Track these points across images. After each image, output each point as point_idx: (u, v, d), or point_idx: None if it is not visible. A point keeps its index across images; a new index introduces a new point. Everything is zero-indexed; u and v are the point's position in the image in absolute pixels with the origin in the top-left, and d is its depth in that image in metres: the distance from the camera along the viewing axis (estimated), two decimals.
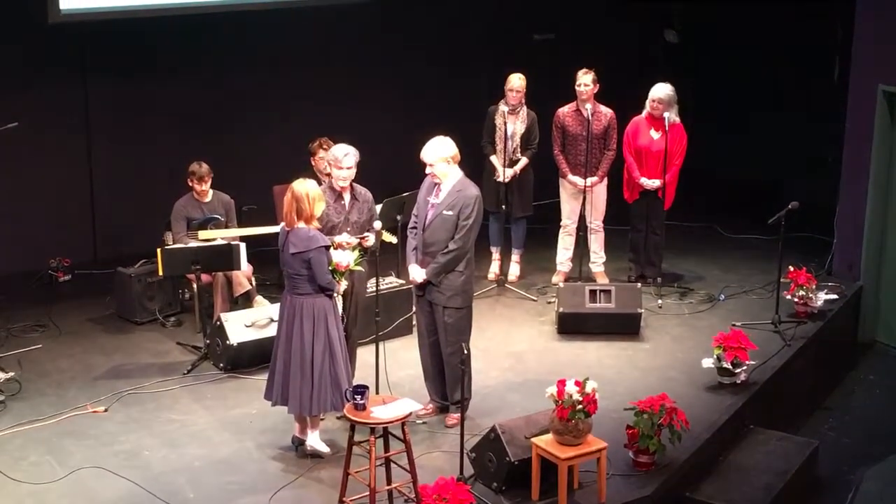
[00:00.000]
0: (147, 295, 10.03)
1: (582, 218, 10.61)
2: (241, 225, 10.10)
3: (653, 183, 10.45)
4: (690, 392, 8.80)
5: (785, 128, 12.87)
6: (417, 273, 8.12)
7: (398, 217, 9.39)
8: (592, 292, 9.87)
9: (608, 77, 10.63)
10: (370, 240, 8.20)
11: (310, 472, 7.69)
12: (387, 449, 7.30)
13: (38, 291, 10.62)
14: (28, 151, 10.65)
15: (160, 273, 9.44)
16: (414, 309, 8.90)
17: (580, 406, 7.16)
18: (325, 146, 9.68)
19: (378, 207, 8.74)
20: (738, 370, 8.86)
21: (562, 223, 10.81)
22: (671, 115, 10.27)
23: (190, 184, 9.87)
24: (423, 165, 8.06)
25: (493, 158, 10.59)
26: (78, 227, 11.23)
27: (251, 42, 11.55)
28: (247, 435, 8.18)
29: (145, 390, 8.81)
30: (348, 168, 8.12)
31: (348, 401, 7.25)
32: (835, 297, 10.41)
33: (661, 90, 10.36)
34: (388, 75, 12.39)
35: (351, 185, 8.25)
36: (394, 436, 7.30)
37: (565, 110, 10.54)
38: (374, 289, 8.25)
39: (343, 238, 8.09)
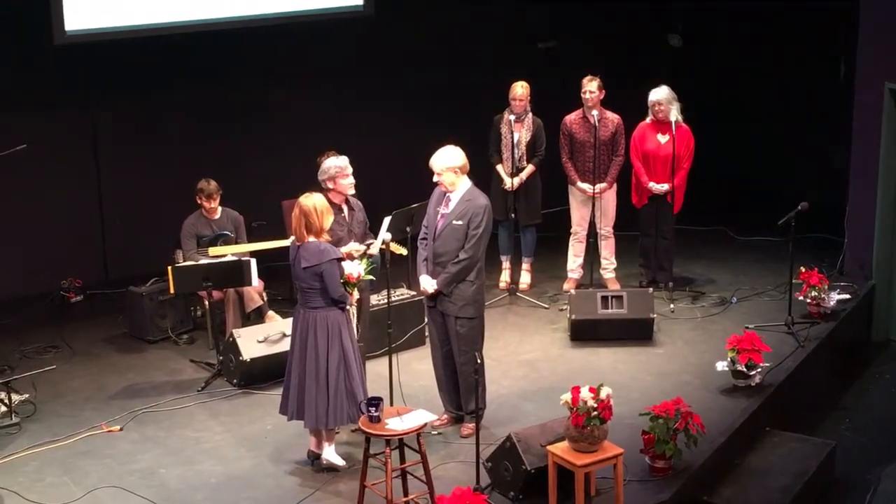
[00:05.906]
0: (159, 313, 10.05)
1: (592, 225, 10.60)
2: (250, 241, 10.10)
3: (661, 187, 10.44)
4: (705, 396, 8.78)
5: (792, 128, 12.84)
6: (428, 283, 8.11)
7: (407, 229, 9.41)
8: (604, 298, 9.86)
9: (613, 83, 10.63)
10: (374, 246, 8.24)
11: (326, 485, 7.68)
12: (403, 461, 7.30)
13: (51, 313, 10.64)
14: (36, 173, 10.66)
15: (171, 291, 9.46)
16: (426, 320, 8.90)
17: (595, 413, 7.14)
18: None
19: (387, 220, 8.76)
20: (752, 372, 8.83)
21: (572, 230, 10.80)
22: (677, 115, 10.28)
23: (199, 201, 9.89)
24: (432, 174, 8.08)
25: (500, 168, 10.59)
26: (88, 248, 11.25)
27: (258, 59, 11.56)
28: (262, 450, 8.17)
29: (160, 408, 8.81)
30: (350, 173, 8.26)
31: (363, 413, 7.25)
32: (847, 296, 10.39)
33: (659, 92, 10.39)
34: (394, 88, 12.39)
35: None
36: (409, 447, 7.29)
37: (572, 117, 10.55)
38: (386, 300, 8.25)
39: (351, 247, 8.12)
